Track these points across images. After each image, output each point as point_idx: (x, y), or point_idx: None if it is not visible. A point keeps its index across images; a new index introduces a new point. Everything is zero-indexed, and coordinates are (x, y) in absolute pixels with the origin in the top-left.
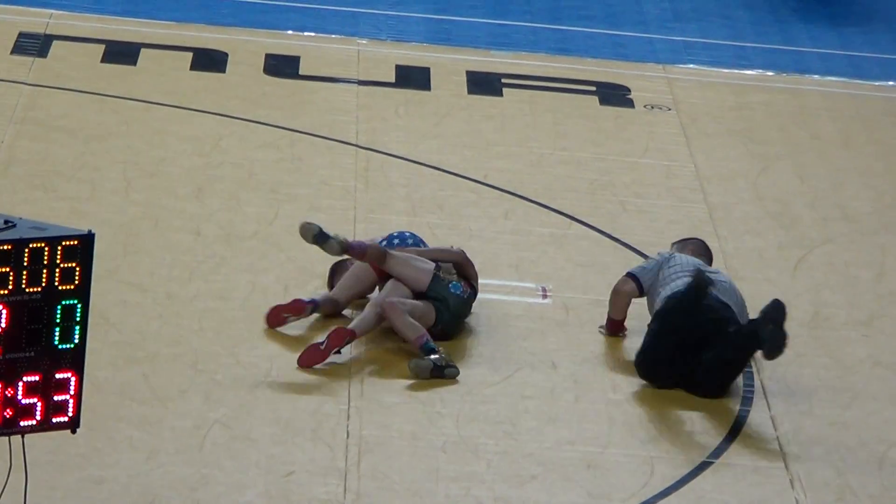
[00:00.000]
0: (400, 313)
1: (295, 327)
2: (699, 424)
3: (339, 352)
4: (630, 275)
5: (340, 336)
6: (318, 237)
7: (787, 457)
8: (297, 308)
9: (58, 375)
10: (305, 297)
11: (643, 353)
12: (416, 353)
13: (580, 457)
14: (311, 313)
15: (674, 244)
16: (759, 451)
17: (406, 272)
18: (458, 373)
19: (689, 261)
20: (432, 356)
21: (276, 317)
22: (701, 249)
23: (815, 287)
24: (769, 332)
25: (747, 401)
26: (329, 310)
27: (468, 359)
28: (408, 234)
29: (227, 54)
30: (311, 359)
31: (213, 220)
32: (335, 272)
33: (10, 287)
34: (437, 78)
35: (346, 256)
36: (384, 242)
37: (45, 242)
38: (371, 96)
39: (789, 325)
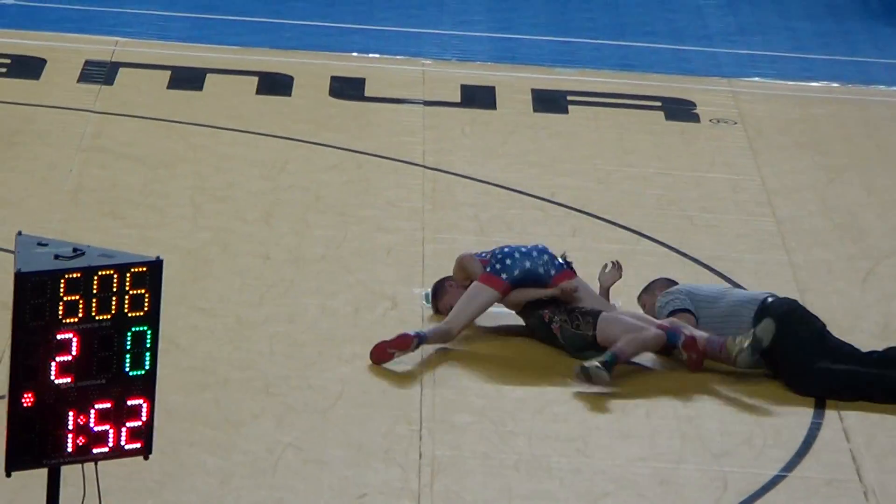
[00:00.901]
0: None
1: (399, 362)
2: (771, 438)
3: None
4: (676, 312)
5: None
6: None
7: (861, 469)
8: (404, 343)
9: (129, 402)
10: (411, 330)
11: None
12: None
13: (652, 473)
14: (416, 347)
15: (648, 295)
16: (832, 464)
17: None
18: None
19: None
20: (596, 360)
21: (382, 353)
22: (667, 284)
23: (885, 298)
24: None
25: (819, 413)
26: (441, 339)
27: (538, 376)
28: (506, 248)
29: (292, 78)
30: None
31: (281, 244)
32: (437, 295)
33: (81, 315)
34: (502, 96)
35: (465, 286)
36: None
37: (114, 269)
38: (437, 116)
39: (860, 336)
